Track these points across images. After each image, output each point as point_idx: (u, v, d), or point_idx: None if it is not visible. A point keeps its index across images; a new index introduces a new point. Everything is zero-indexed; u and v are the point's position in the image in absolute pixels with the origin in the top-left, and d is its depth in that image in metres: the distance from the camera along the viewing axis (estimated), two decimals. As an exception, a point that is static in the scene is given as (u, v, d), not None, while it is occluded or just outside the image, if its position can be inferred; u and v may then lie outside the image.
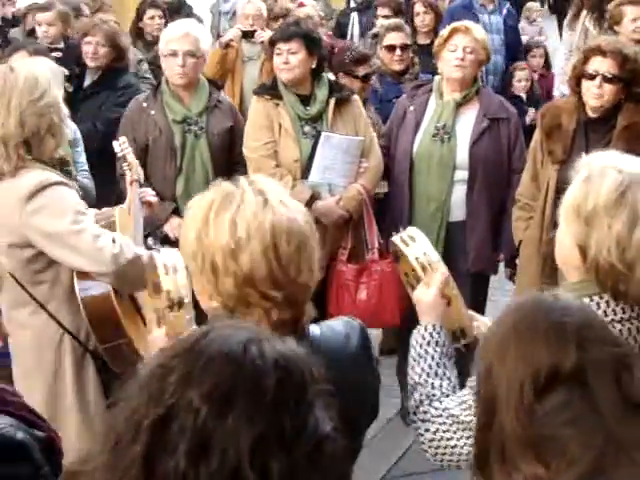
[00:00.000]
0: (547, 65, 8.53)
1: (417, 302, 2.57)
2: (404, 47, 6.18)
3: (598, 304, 2.25)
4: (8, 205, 3.27)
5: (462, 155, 4.90)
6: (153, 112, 4.93)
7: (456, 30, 4.96)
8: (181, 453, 1.26)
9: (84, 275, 3.34)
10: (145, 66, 6.84)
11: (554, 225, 4.30)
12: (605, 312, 2.25)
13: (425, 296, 2.54)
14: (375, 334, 5.88)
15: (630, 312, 2.25)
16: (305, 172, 4.87)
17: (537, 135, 4.62)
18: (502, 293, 5.49)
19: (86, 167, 5.06)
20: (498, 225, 4.99)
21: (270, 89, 4.96)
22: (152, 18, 7.56)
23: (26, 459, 1.85)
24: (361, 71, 5.65)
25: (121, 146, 4.04)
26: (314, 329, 2.12)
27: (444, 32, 5.03)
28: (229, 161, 5.03)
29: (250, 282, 1.99)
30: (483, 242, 4.98)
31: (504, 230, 4.94)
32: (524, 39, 9.18)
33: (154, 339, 2.51)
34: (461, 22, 5.24)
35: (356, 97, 5.10)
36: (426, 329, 2.50)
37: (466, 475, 2.40)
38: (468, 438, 2.32)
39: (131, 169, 3.96)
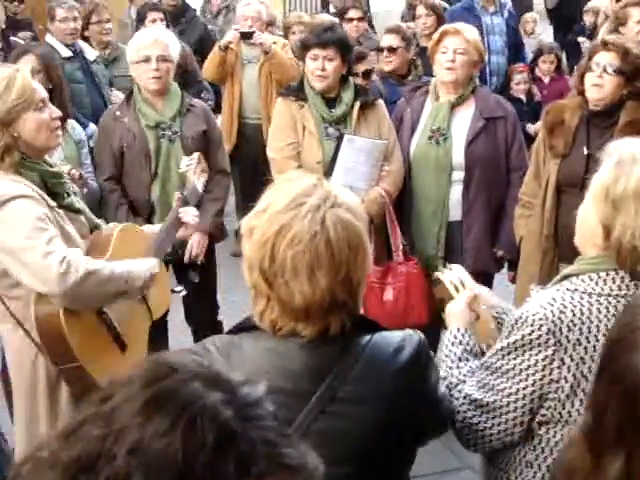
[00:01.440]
0: (560, 69, 8.50)
1: (447, 315, 2.71)
2: (393, 49, 6.19)
3: (613, 279, 2.37)
4: None
5: (458, 156, 4.89)
6: (126, 119, 4.93)
7: (446, 32, 4.95)
8: None
9: None
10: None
11: (557, 219, 4.37)
12: (619, 286, 2.37)
13: (454, 307, 2.69)
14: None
15: None
16: (327, 174, 4.83)
17: (541, 133, 4.64)
18: (505, 296, 5.41)
19: (91, 169, 5.07)
20: (497, 224, 4.98)
21: (295, 91, 4.97)
22: (154, 21, 7.54)
23: None
24: (360, 68, 5.67)
25: (189, 161, 4.15)
26: (365, 338, 2.13)
27: (435, 35, 5.04)
28: (209, 165, 4.96)
29: (251, 267, 2.05)
30: (481, 241, 4.97)
31: (503, 229, 4.94)
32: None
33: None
34: (452, 24, 5.24)
35: (381, 101, 5.11)
36: (451, 332, 2.64)
37: (473, 477, 2.44)
38: (494, 418, 2.42)
39: (184, 187, 4.02)
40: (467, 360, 2.56)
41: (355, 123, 4.91)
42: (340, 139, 4.83)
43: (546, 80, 8.24)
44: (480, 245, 4.97)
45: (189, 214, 3.97)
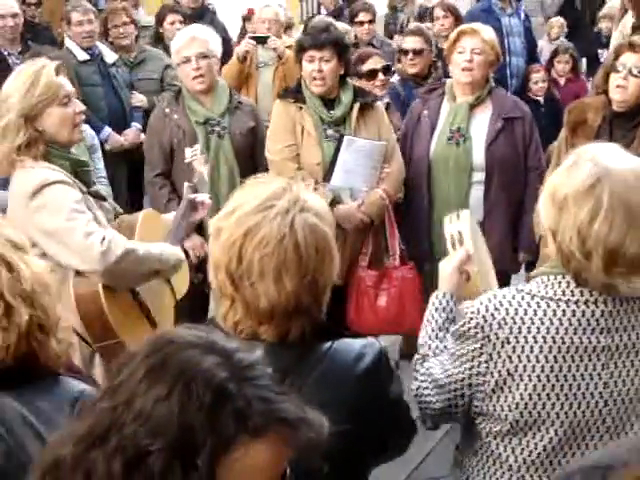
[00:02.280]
0: (576, 70, 8.44)
1: (439, 273, 2.73)
2: (418, 52, 6.15)
3: (560, 283, 2.34)
4: (16, 201, 3.42)
5: (478, 157, 4.88)
6: (176, 116, 4.99)
7: (463, 32, 4.94)
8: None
9: (81, 272, 3.40)
10: (173, 72, 6.83)
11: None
12: (563, 291, 2.33)
13: (445, 267, 2.71)
14: (395, 338, 5.85)
15: (588, 296, 2.32)
16: (327, 175, 4.86)
17: (563, 132, 4.62)
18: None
19: (104, 173, 5.08)
20: (516, 224, 4.97)
21: (294, 92, 4.97)
22: (172, 23, 7.55)
23: None
24: (364, 68, 5.67)
25: (193, 152, 4.20)
26: (325, 344, 2.11)
27: (452, 35, 5.02)
28: (253, 163, 5.05)
29: (217, 269, 2.06)
30: (502, 242, 4.94)
31: (523, 231, 4.92)
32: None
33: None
34: (469, 24, 5.23)
35: (380, 103, 5.10)
36: (437, 296, 2.67)
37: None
38: (437, 394, 2.47)
39: (194, 175, 4.08)
40: (447, 330, 2.59)
41: (354, 124, 4.89)
42: (340, 140, 4.82)
43: (562, 82, 8.18)
44: (502, 246, 4.93)
45: (202, 196, 3.99)
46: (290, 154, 4.85)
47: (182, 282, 3.95)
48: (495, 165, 4.86)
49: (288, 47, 7.01)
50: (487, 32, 4.97)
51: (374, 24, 7.69)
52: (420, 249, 5.03)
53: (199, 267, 4.76)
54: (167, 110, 5.04)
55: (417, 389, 2.53)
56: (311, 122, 4.86)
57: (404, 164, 5.03)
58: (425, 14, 8.90)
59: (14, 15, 6.80)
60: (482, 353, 2.36)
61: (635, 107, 4.35)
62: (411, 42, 6.25)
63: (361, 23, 7.62)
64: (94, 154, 5.05)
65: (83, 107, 3.55)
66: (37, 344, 2.05)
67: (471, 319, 2.37)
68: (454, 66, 4.92)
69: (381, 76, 5.81)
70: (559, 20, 9.86)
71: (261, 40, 6.96)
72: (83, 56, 6.48)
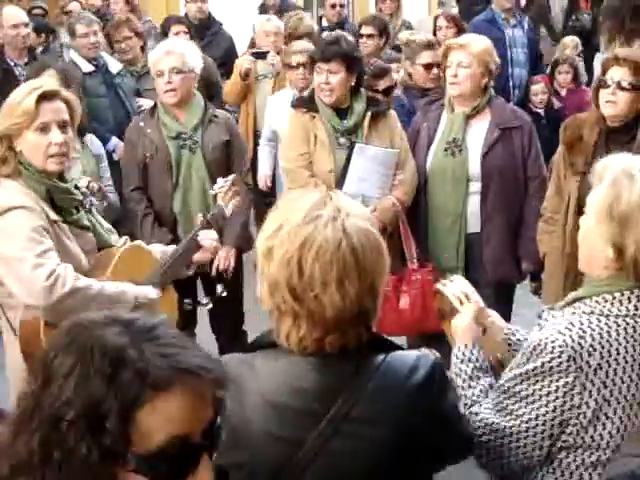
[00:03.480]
0: (577, 80, 8.47)
1: (454, 330, 2.68)
2: (438, 65, 6.18)
3: (629, 298, 2.35)
4: None
5: (474, 167, 4.91)
6: (149, 130, 4.99)
7: (450, 47, 4.99)
8: None
9: None
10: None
11: (577, 235, 4.34)
12: (635, 306, 2.35)
13: (461, 322, 2.66)
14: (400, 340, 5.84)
15: None
16: (339, 183, 4.90)
17: (560, 149, 4.61)
18: (529, 306, 5.43)
19: (111, 182, 5.10)
20: (517, 233, 4.98)
21: (307, 102, 5.04)
22: (177, 34, 7.58)
23: None
24: (381, 85, 5.71)
25: (224, 182, 4.18)
26: (379, 356, 2.10)
27: (442, 50, 5.07)
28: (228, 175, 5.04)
29: (275, 287, 2.04)
30: (500, 250, 4.97)
31: (524, 238, 4.93)
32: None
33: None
34: (460, 38, 5.27)
35: (392, 111, 5.16)
36: (460, 349, 2.61)
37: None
38: (510, 443, 2.39)
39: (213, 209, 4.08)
40: (478, 379, 2.54)
41: (367, 133, 4.96)
42: (352, 148, 4.89)
43: (563, 92, 8.21)
44: (500, 255, 4.96)
45: (208, 238, 3.95)
46: (304, 162, 4.93)
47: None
48: (492, 175, 4.88)
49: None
50: (477, 45, 4.98)
51: (376, 39, 7.47)
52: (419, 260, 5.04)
53: (222, 280, 4.80)
54: (141, 124, 5.05)
55: (478, 443, 2.42)
56: (324, 131, 4.93)
57: None
58: (407, 29, 8.91)
59: (26, 24, 6.90)
60: (575, 385, 2.32)
61: (629, 121, 4.34)
62: (433, 56, 6.16)
63: (363, 36, 7.51)
64: (101, 164, 5.09)
65: (60, 140, 3.38)
66: None
67: (561, 352, 2.31)
68: (446, 79, 4.98)
69: (401, 94, 5.91)
70: (574, 40, 9.70)
71: (261, 56, 7.00)
72: (88, 67, 6.53)
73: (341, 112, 4.98)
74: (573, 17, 11.88)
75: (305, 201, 2.06)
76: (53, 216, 3.39)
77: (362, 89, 5.08)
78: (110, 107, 6.52)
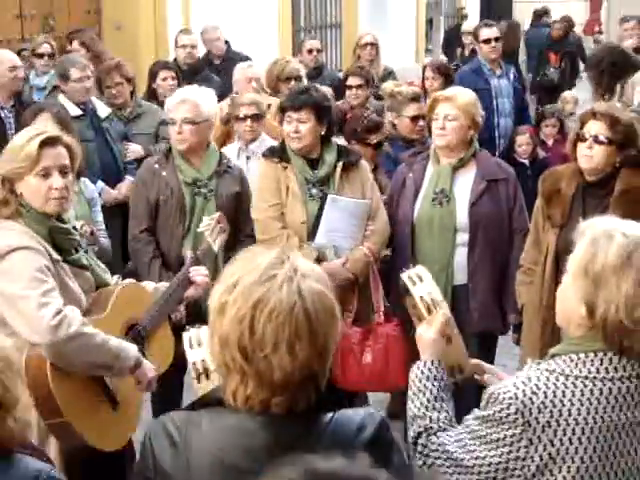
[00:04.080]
0: (563, 131, 8.52)
1: (418, 339, 2.73)
2: (424, 117, 6.24)
3: (601, 360, 2.37)
4: None
5: (462, 217, 4.94)
6: (164, 173, 5.03)
7: (436, 100, 5.05)
8: None
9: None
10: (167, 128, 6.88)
11: (555, 288, 4.36)
12: (607, 369, 2.37)
13: (426, 334, 2.70)
14: (383, 397, 5.85)
15: (631, 370, 2.37)
16: (312, 234, 4.92)
17: (538, 201, 4.65)
18: (511, 357, 5.45)
19: (103, 226, 5.10)
20: (502, 284, 5.00)
21: (278, 152, 5.04)
22: (164, 79, 7.62)
23: None
24: (373, 139, 5.74)
25: (209, 220, 4.24)
26: (327, 415, 2.09)
27: (428, 102, 5.13)
28: (238, 228, 5.07)
29: (225, 344, 2.01)
30: (486, 301, 4.99)
31: (509, 290, 4.94)
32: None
33: None
34: (446, 90, 5.34)
35: (364, 162, 5.18)
36: (425, 364, 2.65)
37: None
38: (459, 474, 2.43)
39: (201, 246, 4.13)
40: (442, 400, 2.57)
41: (338, 183, 4.98)
42: (324, 199, 4.90)
43: (550, 142, 8.28)
44: (486, 306, 4.99)
45: (200, 273, 3.98)
46: (275, 213, 4.92)
47: (160, 359, 3.81)
48: (479, 225, 4.92)
49: (268, 106, 7.05)
50: (463, 97, 5.04)
51: (364, 89, 7.46)
52: (405, 310, 5.02)
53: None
54: (156, 166, 5.08)
55: (430, 465, 2.48)
56: (295, 181, 4.94)
57: (390, 226, 5.09)
58: (389, 76, 8.97)
59: (21, 67, 6.97)
60: (522, 438, 2.34)
61: (606, 175, 4.37)
62: (419, 108, 6.25)
63: (352, 87, 7.49)
64: (94, 207, 5.09)
65: (61, 184, 3.49)
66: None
67: (510, 405, 2.34)
68: (433, 131, 5.03)
69: (387, 146, 5.96)
70: (573, 96, 9.64)
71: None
72: (76, 111, 6.52)
73: (312, 162, 4.99)
74: (541, 72, 12.18)
75: (263, 259, 2.04)
76: (55, 256, 3.48)
77: (333, 139, 5.11)
78: (97, 151, 6.52)
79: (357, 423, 2.09)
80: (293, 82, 7.22)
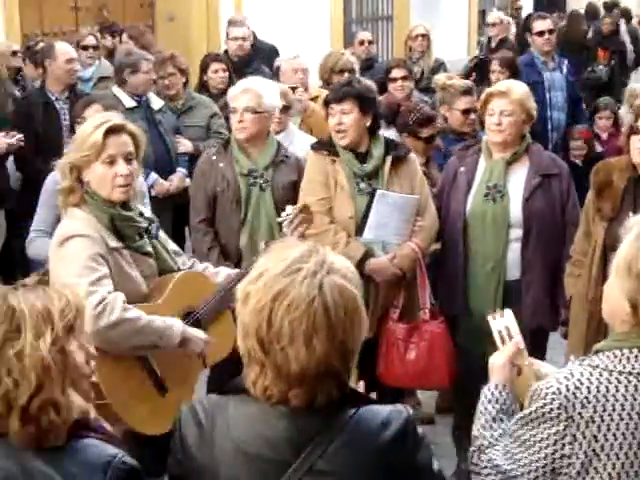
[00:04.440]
0: (617, 124, 8.40)
1: (490, 367, 2.71)
2: (475, 110, 6.20)
3: (637, 356, 2.34)
4: (51, 246, 3.63)
5: (516, 213, 4.90)
6: (222, 165, 5.06)
7: (492, 95, 4.98)
8: None
9: None
10: (220, 120, 6.95)
11: (602, 282, 4.31)
12: None
13: (497, 361, 2.69)
14: (432, 392, 5.84)
15: None
16: (359, 229, 4.90)
17: (590, 193, 4.61)
18: (561, 353, 5.41)
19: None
20: (555, 280, 4.94)
21: (326, 145, 5.03)
22: (216, 72, 7.66)
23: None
24: (425, 133, 5.69)
25: (291, 210, 4.22)
26: (351, 410, 2.09)
27: (482, 97, 5.05)
28: None
29: (246, 333, 2.05)
30: (540, 298, 4.94)
31: (561, 286, 4.88)
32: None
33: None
34: (499, 84, 5.27)
35: (413, 155, 5.13)
36: (489, 388, 2.64)
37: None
38: None
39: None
40: (501, 421, 2.55)
41: (387, 178, 4.93)
42: (372, 194, 4.87)
43: (604, 136, 8.17)
44: (539, 303, 4.93)
45: None
46: (323, 207, 4.90)
47: (218, 347, 3.83)
48: (533, 221, 4.87)
49: (313, 99, 7.06)
50: (517, 91, 4.98)
51: (409, 80, 7.40)
52: (455, 306, 5.03)
53: None
54: (214, 158, 5.12)
55: None
56: (344, 175, 4.91)
57: (440, 221, 5.06)
58: (439, 68, 8.89)
59: (76, 60, 7.10)
60: (565, 435, 2.33)
61: None
62: (472, 102, 6.21)
63: (394, 80, 7.39)
64: (143, 200, 5.11)
65: (125, 171, 3.59)
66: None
67: (553, 400, 2.33)
68: (487, 127, 4.97)
69: (438, 140, 5.93)
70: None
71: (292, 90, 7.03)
72: (130, 103, 6.61)
73: (360, 156, 4.96)
74: (589, 68, 11.86)
75: (290, 252, 2.07)
76: (113, 243, 3.58)
77: (380, 133, 5.07)
78: (150, 143, 6.54)
79: (382, 419, 2.09)
80: (346, 74, 7.20)
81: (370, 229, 4.87)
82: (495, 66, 7.83)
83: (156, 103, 6.80)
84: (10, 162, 6.68)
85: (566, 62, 8.45)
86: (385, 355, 4.85)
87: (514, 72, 7.63)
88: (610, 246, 4.38)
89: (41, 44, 8.07)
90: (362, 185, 4.93)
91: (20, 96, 7.19)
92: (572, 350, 4.49)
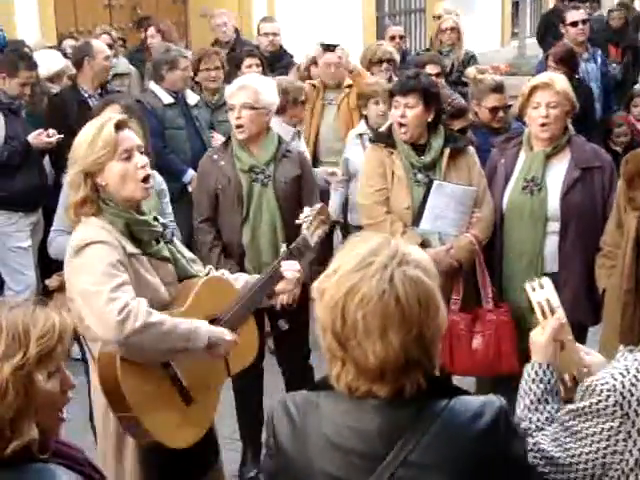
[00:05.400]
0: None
1: (531, 343, 2.67)
2: (505, 108, 6.18)
3: None
4: (66, 256, 3.45)
5: (554, 207, 4.85)
6: (222, 163, 5.03)
7: (536, 87, 4.91)
8: None
9: None
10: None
11: (636, 272, 4.28)
12: None
13: (538, 337, 2.64)
14: (469, 380, 5.82)
15: None
16: (416, 220, 4.90)
17: (620, 182, 4.56)
18: (593, 345, 5.35)
19: (172, 218, 5.16)
20: (594, 275, 4.87)
21: (384, 138, 5.05)
22: (250, 67, 7.67)
23: None
24: (456, 125, 5.70)
25: (310, 211, 4.19)
26: (443, 401, 2.09)
27: (525, 89, 4.97)
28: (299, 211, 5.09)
29: (323, 330, 2.08)
30: (578, 292, 4.89)
31: None
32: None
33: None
34: (540, 76, 5.19)
35: (471, 148, 5.13)
36: (532, 367, 2.60)
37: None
38: (556, 473, 2.38)
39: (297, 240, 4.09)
40: (547, 402, 2.53)
41: (445, 169, 4.94)
42: (429, 185, 4.87)
43: (639, 126, 8.08)
44: (577, 297, 4.88)
45: (291, 269, 3.91)
46: (380, 198, 4.93)
47: (242, 355, 3.77)
48: (572, 215, 4.83)
49: (348, 87, 7.08)
50: (560, 82, 4.93)
51: (441, 77, 7.29)
52: (513, 296, 4.96)
53: (285, 314, 4.71)
54: (215, 156, 5.09)
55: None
56: (401, 167, 4.92)
57: None
58: (470, 60, 8.84)
59: (111, 57, 7.24)
60: (620, 432, 2.29)
61: None
62: (500, 99, 6.21)
63: (430, 75, 7.38)
64: (164, 199, 5.13)
65: (146, 160, 3.49)
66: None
67: (608, 397, 2.29)
68: (530, 121, 4.91)
69: (470, 133, 5.92)
70: None
71: (329, 48, 7.04)
72: (168, 99, 6.67)
73: (418, 148, 4.97)
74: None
75: (364, 246, 2.08)
76: (131, 249, 3.43)
77: (440, 125, 5.06)
78: (188, 139, 6.64)
79: (474, 410, 2.09)
80: (385, 64, 7.39)
81: (427, 220, 4.87)
82: (550, 62, 7.58)
83: (192, 98, 6.85)
84: (46, 160, 6.76)
85: (599, 52, 8.39)
86: (449, 346, 4.83)
87: (572, 67, 7.46)
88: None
89: (71, 42, 8.14)
90: (419, 176, 4.94)
91: (53, 94, 7.26)
92: (606, 342, 4.47)
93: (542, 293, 2.72)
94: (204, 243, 5.01)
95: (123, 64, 8.37)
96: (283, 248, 4.08)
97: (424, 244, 4.78)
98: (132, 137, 3.51)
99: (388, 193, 4.94)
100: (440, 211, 4.87)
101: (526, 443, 2.21)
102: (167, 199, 5.13)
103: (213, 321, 3.61)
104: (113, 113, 4.44)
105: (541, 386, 2.54)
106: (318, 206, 4.31)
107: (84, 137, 3.45)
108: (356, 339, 2.01)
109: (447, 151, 4.95)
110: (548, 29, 11.78)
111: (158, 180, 5.15)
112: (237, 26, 9.64)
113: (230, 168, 5.00)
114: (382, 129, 5.41)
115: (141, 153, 3.49)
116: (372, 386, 2.07)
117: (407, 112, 4.89)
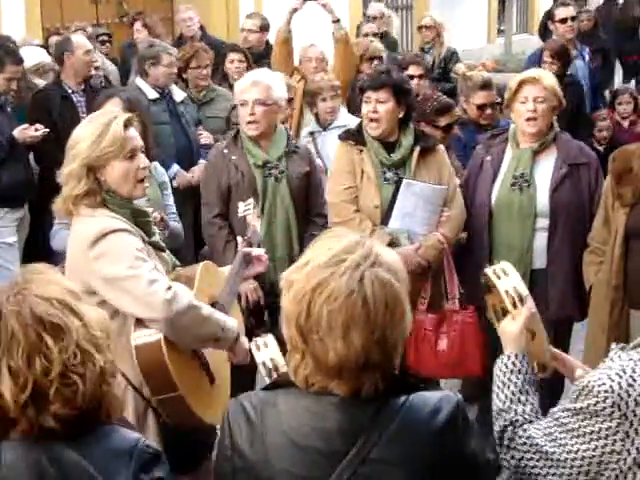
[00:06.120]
0: (638, 111, 8.33)
1: (502, 333, 2.64)
2: (493, 105, 6.17)
3: None
4: (76, 250, 3.39)
5: (542, 203, 4.86)
6: (234, 157, 5.02)
7: (524, 81, 4.92)
8: None
9: (142, 322, 3.31)
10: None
11: (624, 269, 4.29)
12: None
13: (510, 327, 2.61)
14: (453, 382, 5.82)
15: None
16: (385, 218, 4.88)
17: (608, 180, 4.58)
18: (578, 341, 5.37)
19: (174, 209, 5.15)
20: (581, 270, 4.89)
21: (354, 135, 5.01)
22: (232, 62, 7.65)
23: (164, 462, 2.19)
24: (442, 121, 5.65)
25: (246, 206, 4.18)
26: (401, 399, 2.08)
27: (512, 84, 4.97)
28: (308, 207, 5.10)
29: (287, 321, 2.06)
30: (565, 288, 4.90)
31: None
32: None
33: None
34: (529, 71, 5.21)
35: (441, 146, 5.11)
36: (509, 358, 2.58)
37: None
38: (550, 467, 2.37)
39: (247, 229, 4.09)
40: (528, 394, 2.52)
41: (414, 168, 4.92)
42: (398, 183, 4.85)
43: (625, 124, 8.09)
44: (565, 294, 4.90)
45: (259, 251, 3.98)
46: (349, 196, 4.90)
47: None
48: (560, 211, 4.83)
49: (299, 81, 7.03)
50: (548, 78, 4.95)
51: (426, 79, 7.27)
52: (480, 295, 4.98)
53: (251, 312, 4.77)
54: (225, 151, 5.08)
55: (520, 459, 2.42)
56: (370, 165, 4.90)
57: (467, 209, 5.02)
58: (452, 57, 8.84)
59: (93, 52, 7.15)
60: (617, 432, 2.28)
61: None
62: (487, 96, 6.20)
63: (411, 77, 7.02)
64: (165, 191, 5.10)
65: (148, 163, 3.53)
66: (106, 391, 2.11)
67: (606, 398, 2.27)
68: (517, 116, 4.92)
69: (456, 129, 5.91)
70: None
71: None
72: (153, 95, 6.62)
73: (388, 146, 4.94)
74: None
75: (337, 243, 2.07)
76: (144, 237, 3.48)
77: (410, 123, 5.04)
78: (172, 135, 6.60)
79: (432, 406, 2.08)
80: (376, 62, 7.39)
81: (395, 218, 4.85)
82: (546, 57, 7.54)
83: (178, 95, 6.81)
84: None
85: (587, 50, 8.39)
86: (415, 346, 4.84)
87: (565, 62, 7.49)
88: (632, 232, 4.36)
89: (57, 38, 8.10)
90: (388, 174, 4.92)
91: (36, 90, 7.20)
92: (592, 337, 4.47)
93: (508, 281, 2.66)
94: (219, 238, 4.98)
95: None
96: (240, 239, 4.07)
97: (393, 243, 4.76)
98: (137, 137, 3.52)
99: (357, 191, 4.91)
100: (409, 210, 4.86)
101: (483, 439, 2.18)
102: (169, 190, 5.14)
103: (213, 304, 3.66)
104: (114, 107, 4.45)
105: (520, 377, 2.53)
106: (251, 200, 4.29)
107: (89, 131, 3.43)
108: (319, 334, 2.00)
109: (417, 149, 4.93)
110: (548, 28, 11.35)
111: (160, 172, 5.16)
112: (229, 23, 9.62)
113: (243, 162, 5.00)
114: (352, 127, 5.31)
115: (143, 152, 3.53)
116: (330, 383, 2.06)
117: (378, 107, 4.87)
